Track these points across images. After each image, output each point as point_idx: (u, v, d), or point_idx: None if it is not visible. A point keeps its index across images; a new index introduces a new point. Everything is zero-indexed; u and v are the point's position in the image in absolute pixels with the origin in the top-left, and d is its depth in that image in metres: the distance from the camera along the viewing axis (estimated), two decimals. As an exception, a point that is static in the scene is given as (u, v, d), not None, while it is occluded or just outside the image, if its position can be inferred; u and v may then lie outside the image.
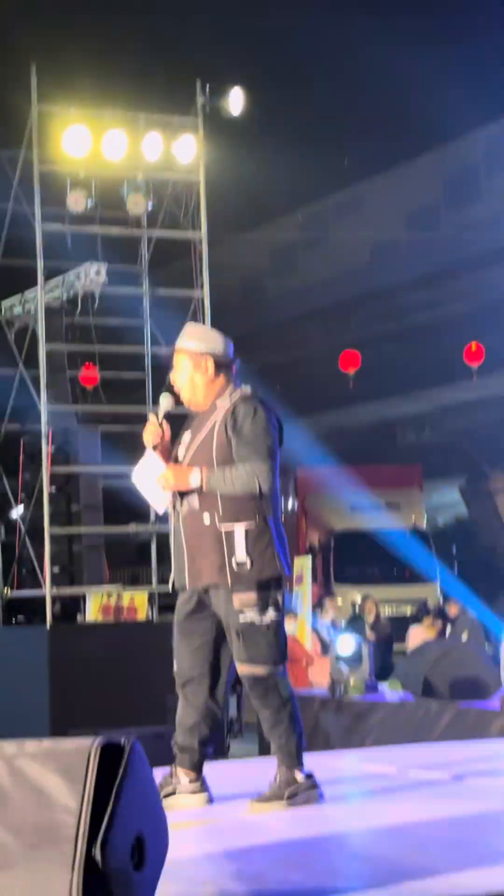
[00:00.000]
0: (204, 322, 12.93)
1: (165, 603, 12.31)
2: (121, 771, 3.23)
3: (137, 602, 12.62)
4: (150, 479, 5.28)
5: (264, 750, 11.31)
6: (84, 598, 12.53)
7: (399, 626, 17.57)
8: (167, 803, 5.04)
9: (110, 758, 3.24)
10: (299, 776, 5.22)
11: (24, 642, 12.62)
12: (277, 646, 5.16)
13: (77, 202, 12.42)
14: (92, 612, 12.54)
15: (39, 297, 12.47)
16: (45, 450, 12.16)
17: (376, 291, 30.47)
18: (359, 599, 21.29)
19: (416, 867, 4.00)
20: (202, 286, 12.96)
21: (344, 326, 30.73)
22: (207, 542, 5.16)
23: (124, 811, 3.21)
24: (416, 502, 26.09)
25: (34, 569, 12.36)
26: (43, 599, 12.10)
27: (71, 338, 13.23)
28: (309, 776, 5.25)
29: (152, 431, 5.38)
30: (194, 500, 5.19)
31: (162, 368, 13.11)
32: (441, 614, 17.81)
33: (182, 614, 5.35)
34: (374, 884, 3.84)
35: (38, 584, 12.25)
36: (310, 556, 17.60)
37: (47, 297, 12.73)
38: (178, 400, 5.53)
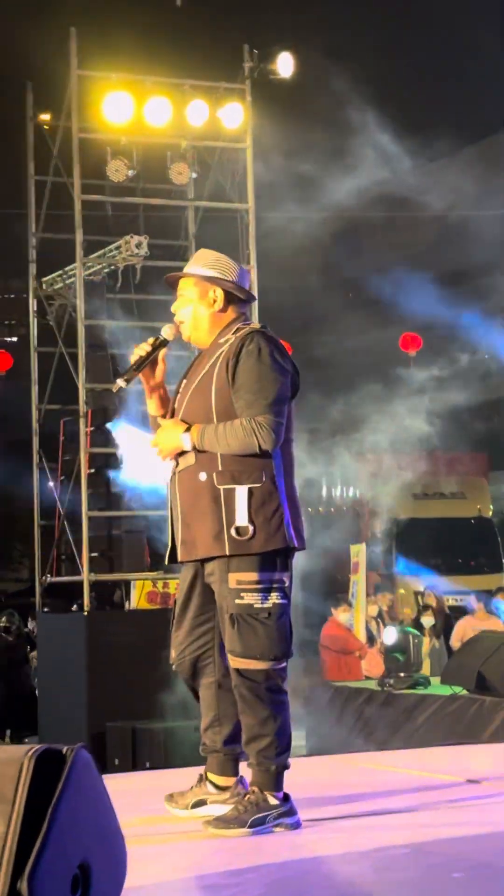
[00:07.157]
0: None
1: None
2: (60, 785, 2.66)
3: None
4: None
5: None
6: (125, 584, 12.07)
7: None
8: (193, 814, 4.40)
9: (49, 770, 2.67)
10: (273, 800, 4.26)
11: (63, 629, 12.22)
12: (279, 638, 4.25)
13: (118, 171, 11.92)
14: (136, 599, 12.08)
15: (78, 273, 11.97)
16: (84, 430, 11.69)
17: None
18: (422, 589, 20.72)
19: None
20: (249, 260, 12.38)
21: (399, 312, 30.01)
22: (203, 505, 4.30)
23: (63, 834, 2.63)
24: (482, 491, 25.44)
25: (73, 554, 11.91)
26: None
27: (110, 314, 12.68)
28: (285, 799, 4.30)
29: (142, 352, 4.50)
30: (190, 455, 4.35)
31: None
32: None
33: (181, 593, 4.48)
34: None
35: (77, 570, 11.82)
36: (364, 545, 16.98)
37: (87, 273, 12.21)
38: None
